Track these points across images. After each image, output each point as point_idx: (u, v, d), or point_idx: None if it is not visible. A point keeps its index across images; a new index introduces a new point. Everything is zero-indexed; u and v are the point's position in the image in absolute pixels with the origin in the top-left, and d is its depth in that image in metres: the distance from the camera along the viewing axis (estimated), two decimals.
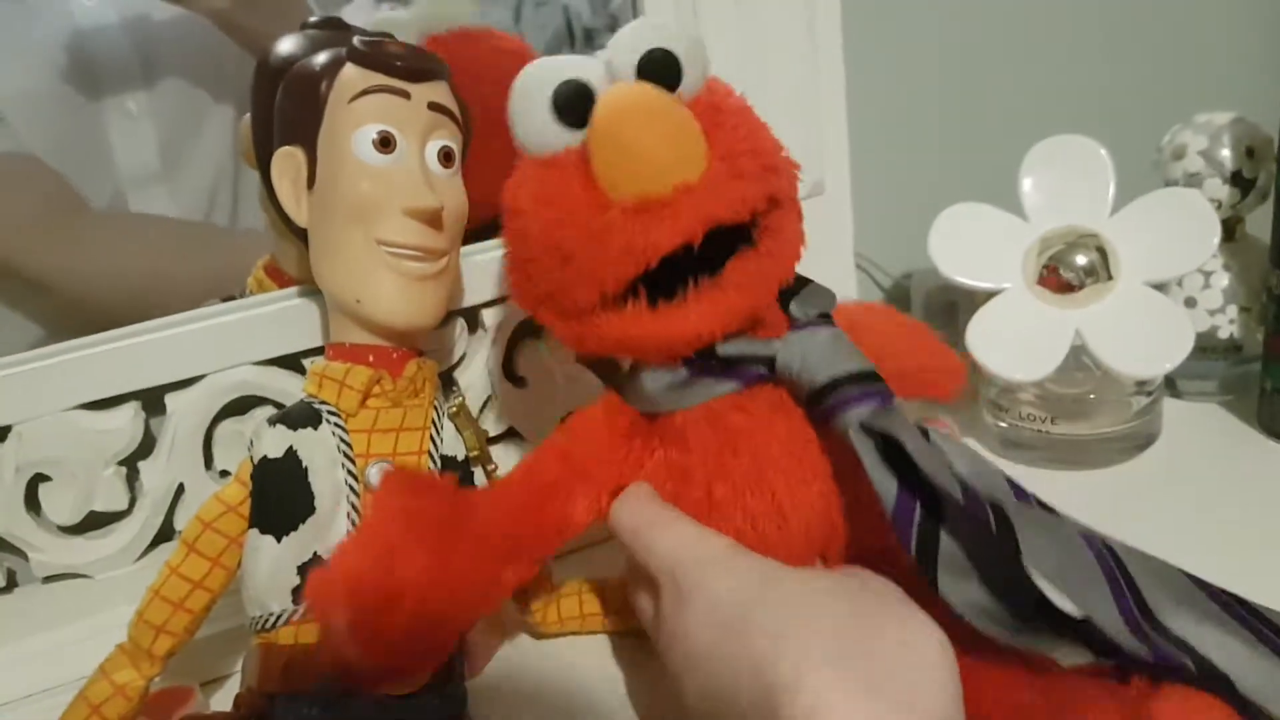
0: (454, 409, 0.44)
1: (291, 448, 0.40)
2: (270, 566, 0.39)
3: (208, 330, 0.49)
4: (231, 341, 0.49)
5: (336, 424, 0.41)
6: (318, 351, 0.51)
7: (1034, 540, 0.35)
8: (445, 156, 0.44)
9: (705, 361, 0.41)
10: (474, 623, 0.41)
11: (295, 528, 0.39)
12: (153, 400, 0.49)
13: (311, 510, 0.39)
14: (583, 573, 0.52)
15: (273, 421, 0.40)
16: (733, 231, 0.38)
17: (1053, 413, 0.60)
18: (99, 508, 0.50)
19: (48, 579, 0.51)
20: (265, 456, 0.39)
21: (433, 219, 0.42)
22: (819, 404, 0.39)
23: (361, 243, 0.41)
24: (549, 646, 0.51)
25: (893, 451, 0.36)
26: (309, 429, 0.40)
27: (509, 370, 0.58)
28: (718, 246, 0.38)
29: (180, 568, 0.39)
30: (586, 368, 0.49)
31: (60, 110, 0.69)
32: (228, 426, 0.51)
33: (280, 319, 0.50)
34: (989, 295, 0.60)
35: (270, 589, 0.39)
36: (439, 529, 0.37)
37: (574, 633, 0.51)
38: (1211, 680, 0.34)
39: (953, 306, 0.69)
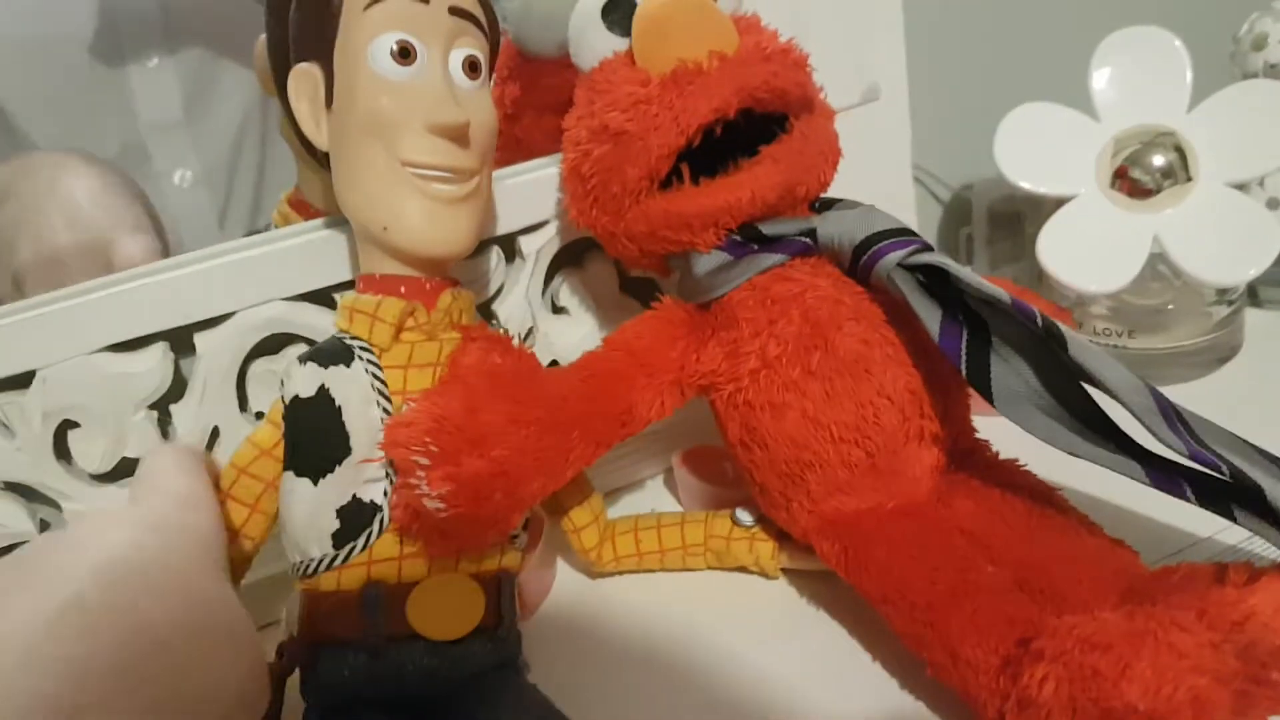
0: None
1: (324, 386, 0.37)
2: (308, 510, 0.37)
3: (234, 265, 0.46)
4: (259, 277, 0.46)
5: (369, 360, 0.38)
6: (350, 285, 0.48)
7: (1079, 342, 0.36)
8: (470, 67, 0.41)
9: (748, 242, 0.43)
10: (543, 494, 0.40)
11: (332, 470, 0.37)
12: (182, 340, 0.47)
13: (347, 451, 0.37)
14: (636, 510, 0.50)
15: (303, 359, 0.38)
16: (768, 121, 0.42)
17: (1128, 326, 0.57)
18: (131, 454, 0.48)
19: None
20: (297, 396, 0.37)
21: (459, 135, 0.39)
22: (859, 259, 0.41)
23: (384, 164, 0.38)
24: (605, 585, 0.49)
25: (932, 285, 0.39)
26: (341, 366, 0.38)
27: (550, 300, 0.55)
28: (755, 135, 0.42)
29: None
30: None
31: (78, 55, 0.68)
32: (261, 366, 0.49)
33: (308, 252, 0.47)
34: (1058, 203, 0.56)
35: (309, 533, 0.37)
36: (517, 384, 0.38)
37: (630, 571, 0.49)
38: (1241, 487, 0.34)
39: (1017, 218, 0.66)
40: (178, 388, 0.48)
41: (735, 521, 0.47)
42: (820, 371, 0.40)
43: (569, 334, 0.54)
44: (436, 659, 0.37)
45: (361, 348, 0.39)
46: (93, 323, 0.45)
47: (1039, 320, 0.36)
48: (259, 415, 0.49)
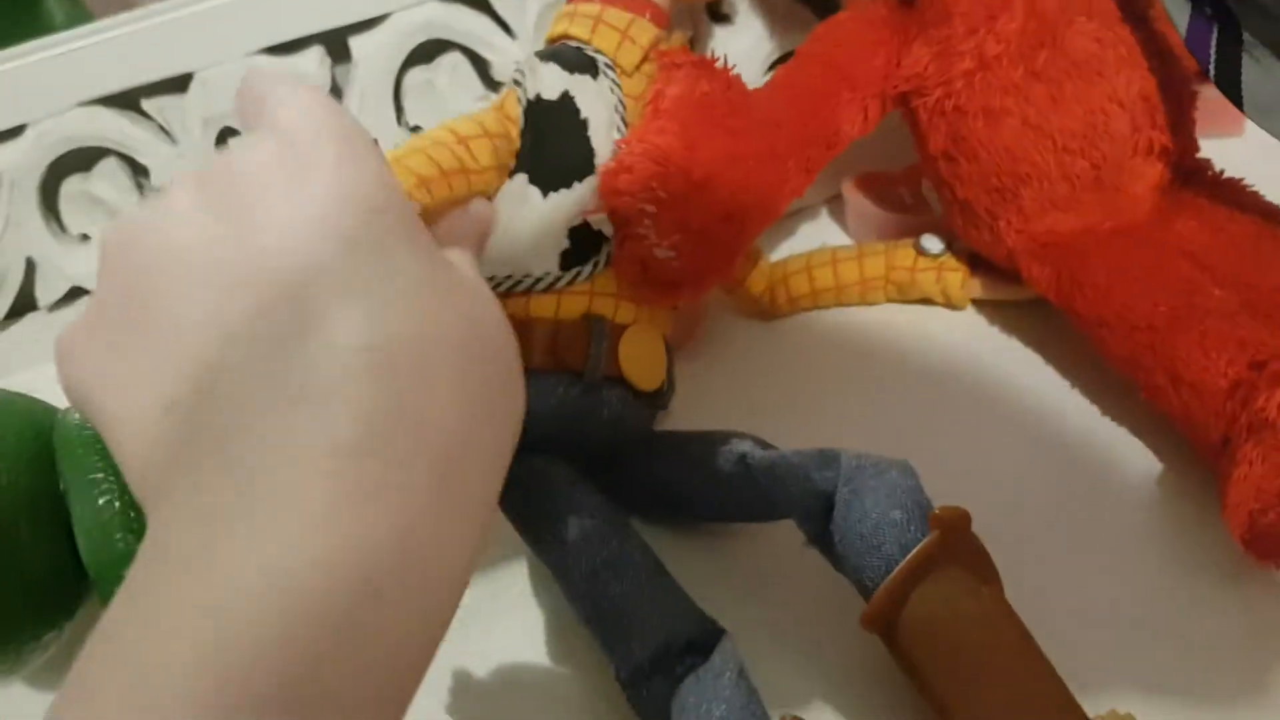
0: None
1: (568, 93, 0.34)
2: (537, 223, 0.34)
3: None
4: None
5: (614, 80, 0.35)
6: None
7: None
8: None
9: None
10: (760, 232, 0.38)
11: (569, 185, 0.34)
12: (338, 46, 0.45)
13: (590, 169, 0.34)
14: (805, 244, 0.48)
15: (543, 57, 0.35)
16: None
17: None
18: None
19: None
20: (540, 96, 0.34)
21: None
22: None
23: None
24: (775, 326, 0.46)
25: None
26: (587, 77, 0.35)
27: (712, 7, 0.51)
28: None
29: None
30: None
31: None
32: (417, 75, 0.46)
33: None
34: None
35: (533, 248, 0.34)
36: (731, 113, 0.35)
37: (805, 310, 0.46)
38: None
39: None
40: (334, 95, 0.46)
41: (920, 250, 0.44)
42: (1046, 73, 0.36)
43: (732, 44, 0.50)
44: (626, 409, 0.36)
45: (606, 64, 0.36)
46: (249, 22, 0.42)
47: None
48: (415, 128, 0.47)
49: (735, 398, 0.42)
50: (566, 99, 0.34)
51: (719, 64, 0.37)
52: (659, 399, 0.38)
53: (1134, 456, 0.37)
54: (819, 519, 0.31)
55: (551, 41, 0.37)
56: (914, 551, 0.28)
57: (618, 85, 0.35)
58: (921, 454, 0.33)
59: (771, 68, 0.50)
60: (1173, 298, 0.35)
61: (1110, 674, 0.30)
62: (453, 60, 0.47)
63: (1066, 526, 0.35)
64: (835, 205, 0.52)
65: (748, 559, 0.36)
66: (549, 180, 0.34)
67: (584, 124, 0.34)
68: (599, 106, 0.35)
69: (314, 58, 0.44)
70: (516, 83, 0.34)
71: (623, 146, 0.34)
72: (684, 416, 0.40)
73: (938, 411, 0.40)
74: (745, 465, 0.32)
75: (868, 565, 0.29)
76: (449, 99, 0.47)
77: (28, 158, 0.44)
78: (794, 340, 0.45)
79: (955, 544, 0.29)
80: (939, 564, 0.29)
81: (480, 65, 0.47)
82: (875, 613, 0.28)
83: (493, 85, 0.47)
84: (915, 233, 0.46)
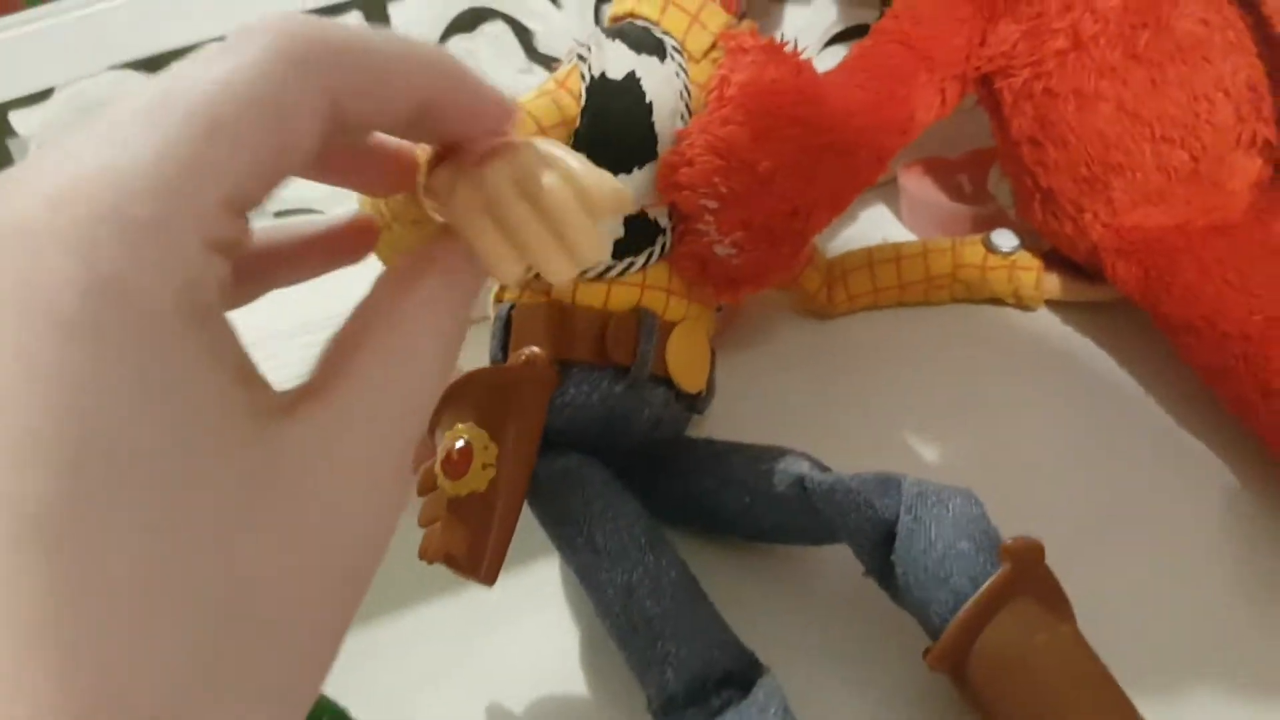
0: None
1: (633, 74, 0.32)
2: None
3: None
4: None
5: (681, 65, 0.33)
6: None
7: None
8: None
9: None
10: (830, 220, 0.36)
11: (628, 170, 0.32)
12: (376, 12, 0.42)
13: (652, 155, 0.32)
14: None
15: (610, 34, 0.33)
16: None
17: None
18: None
19: (277, 214, 0.47)
20: (604, 75, 0.32)
21: None
22: None
23: None
24: (830, 325, 0.44)
25: None
26: (654, 59, 0.33)
27: None
28: None
29: None
30: None
31: None
32: (458, 44, 0.44)
33: None
34: None
35: None
36: (800, 103, 0.32)
37: (865, 309, 0.44)
38: None
39: None
40: None
41: (990, 247, 0.41)
42: (1148, 56, 0.34)
43: (788, 18, 0.47)
44: (666, 410, 0.34)
45: (674, 47, 0.33)
46: None
47: None
48: None
49: (782, 402, 0.40)
50: (632, 79, 0.32)
51: (788, 48, 0.34)
52: (698, 403, 0.36)
53: (1213, 474, 0.35)
54: (878, 548, 0.29)
55: (616, 19, 0.35)
56: (987, 584, 0.26)
57: (684, 70, 0.33)
58: (984, 467, 0.31)
59: (829, 43, 0.48)
60: (1269, 305, 0.33)
61: (1185, 707, 0.29)
62: (495, 29, 0.44)
63: (1138, 549, 0.33)
64: (888, 190, 0.49)
65: (791, 582, 0.34)
66: (607, 163, 0.31)
67: (649, 108, 0.32)
68: (665, 91, 0.33)
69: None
70: (581, 58, 0.33)
71: (684, 137, 0.32)
72: (726, 420, 0.38)
73: (1003, 420, 0.38)
74: (802, 488, 0.30)
75: (935, 599, 0.27)
76: (491, 71, 0.44)
77: (55, 121, 0.43)
78: (849, 340, 0.43)
79: (1028, 576, 0.27)
80: (1011, 597, 0.27)
81: (524, 36, 0.45)
82: (945, 650, 0.26)
83: (536, 57, 0.45)
84: (977, 224, 0.43)
